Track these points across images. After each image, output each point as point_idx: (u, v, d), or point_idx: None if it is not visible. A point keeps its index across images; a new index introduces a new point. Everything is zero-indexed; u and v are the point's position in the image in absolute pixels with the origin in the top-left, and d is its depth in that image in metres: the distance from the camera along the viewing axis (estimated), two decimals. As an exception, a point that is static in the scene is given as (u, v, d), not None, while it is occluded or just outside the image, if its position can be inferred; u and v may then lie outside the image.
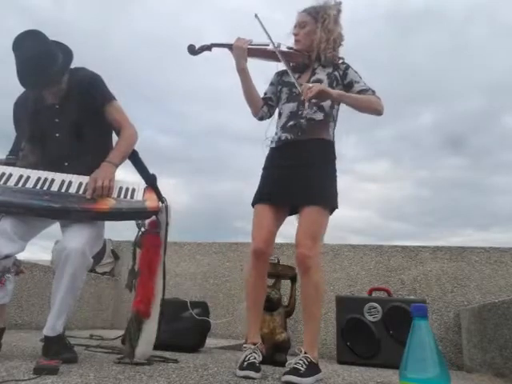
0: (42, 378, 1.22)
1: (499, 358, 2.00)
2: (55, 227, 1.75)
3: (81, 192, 1.63)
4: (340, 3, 1.87)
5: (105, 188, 1.60)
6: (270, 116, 1.90)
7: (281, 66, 1.89)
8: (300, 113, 1.75)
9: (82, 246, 1.55)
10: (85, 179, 1.66)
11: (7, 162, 1.71)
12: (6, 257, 1.54)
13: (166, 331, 2.50)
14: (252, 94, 1.86)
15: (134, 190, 1.71)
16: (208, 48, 1.88)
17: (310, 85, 1.64)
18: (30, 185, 1.61)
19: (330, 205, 1.69)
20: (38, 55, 1.60)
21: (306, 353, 1.58)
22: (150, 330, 1.67)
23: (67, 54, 1.70)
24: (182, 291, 3.50)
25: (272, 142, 1.82)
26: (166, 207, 1.70)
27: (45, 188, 1.61)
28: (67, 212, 1.57)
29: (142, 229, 1.69)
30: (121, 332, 2.27)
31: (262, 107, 1.88)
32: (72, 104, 1.74)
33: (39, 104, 1.76)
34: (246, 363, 1.54)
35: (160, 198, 1.71)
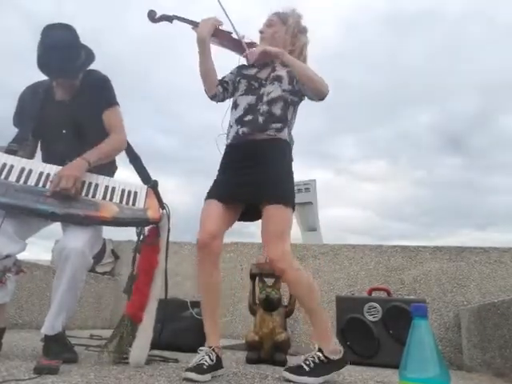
0: (43, 378, 1.22)
1: (499, 357, 2.00)
2: (54, 226, 1.75)
3: (83, 193, 1.63)
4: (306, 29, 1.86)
5: (67, 190, 1.56)
6: (223, 100, 1.84)
7: (242, 61, 1.86)
8: (258, 108, 1.69)
9: (81, 246, 1.55)
10: (87, 177, 1.67)
11: (9, 150, 1.68)
12: (7, 256, 1.54)
13: (166, 331, 2.52)
14: (209, 69, 1.79)
15: (135, 194, 1.71)
16: (169, 18, 1.80)
17: (253, 49, 1.68)
18: (31, 182, 1.59)
19: (292, 202, 1.63)
20: (68, 45, 1.69)
21: (319, 350, 1.54)
22: (144, 336, 1.66)
23: (90, 54, 1.78)
24: (182, 291, 3.49)
25: (228, 136, 1.75)
26: (168, 214, 1.72)
27: (47, 186, 1.59)
28: (71, 218, 1.58)
29: (142, 236, 1.71)
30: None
31: (217, 86, 1.81)
32: (82, 103, 1.77)
33: (49, 98, 1.78)
34: (192, 365, 1.45)
35: (161, 204, 1.72)
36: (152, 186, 1.76)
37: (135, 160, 1.85)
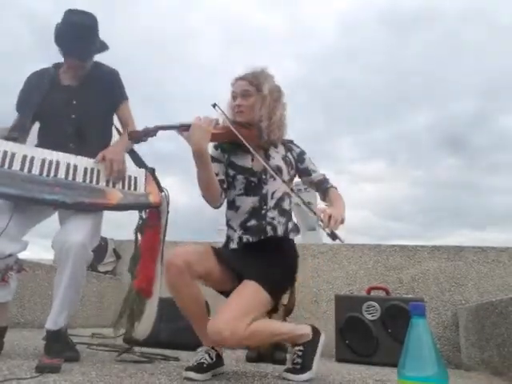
0: (44, 377, 1.23)
1: (497, 356, 2.02)
2: (54, 224, 1.76)
3: (87, 180, 1.65)
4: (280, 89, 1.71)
5: (120, 172, 1.69)
6: (224, 200, 1.65)
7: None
8: (263, 213, 1.58)
9: (82, 240, 1.56)
10: (89, 163, 1.69)
11: (8, 137, 1.67)
12: (9, 256, 1.56)
13: (166, 329, 2.53)
14: (212, 182, 1.53)
15: (135, 179, 1.75)
16: (152, 132, 1.53)
17: (328, 211, 1.40)
18: (35, 170, 1.59)
19: (275, 294, 1.52)
20: (90, 27, 1.73)
21: (294, 345, 1.59)
22: (151, 310, 1.72)
23: (104, 43, 1.82)
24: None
25: (230, 240, 1.62)
26: (167, 197, 1.76)
27: (51, 174, 1.60)
28: (79, 206, 1.59)
29: (142, 219, 1.75)
30: (122, 330, 2.28)
31: (221, 194, 1.60)
32: (91, 91, 1.79)
33: (55, 84, 1.79)
34: (192, 364, 1.45)
35: (160, 188, 1.77)
36: (150, 170, 1.81)
37: (131, 151, 1.88)
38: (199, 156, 1.45)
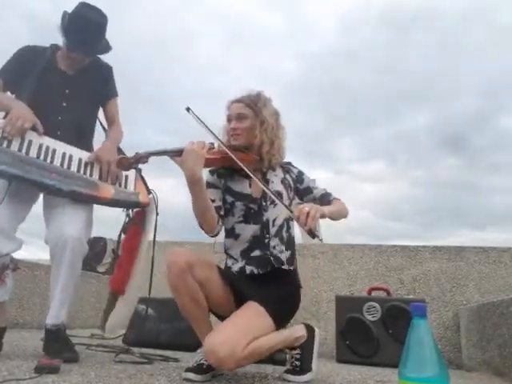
0: (43, 377, 1.23)
1: (498, 357, 2.01)
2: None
3: (81, 171, 1.65)
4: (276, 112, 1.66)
5: (118, 173, 1.70)
6: (222, 228, 1.58)
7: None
8: (266, 242, 1.53)
9: (78, 233, 1.56)
10: (83, 155, 1.69)
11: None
12: (6, 255, 1.56)
13: (166, 330, 2.53)
14: (208, 211, 1.46)
15: (126, 177, 1.77)
16: (144, 159, 1.49)
17: (306, 208, 1.36)
18: (33, 153, 1.57)
19: (275, 314, 1.46)
20: (101, 26, 1.72)
21: (291, 349, 1.58)
22: (121, 306, 1.79)
23: (108, 44, 1.82)
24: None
25: (231, 268, 1.57)
26: (155, 199, 1.79)
27: (48, 160, 1.59)
28: (74, 195, 1.58)
29: (129, 218, 1.81)
30: (122, 331, 2.28)
31: (218, 221, 1.53)
32: (85, 81, 1.79)
33: (51, 66, 1.76)
34: (192, 365, 1.45)
35: (148, 189, 1.80)
36: (137, 171, 1.83)
37: (119, 151, 1.88)
38: (193, 182, 1.38)
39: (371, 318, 2.57)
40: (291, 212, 1.43)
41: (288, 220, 1.61)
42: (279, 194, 1.56)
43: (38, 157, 1.57)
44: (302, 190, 1.68)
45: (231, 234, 1.58)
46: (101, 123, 1.91)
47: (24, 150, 1.55)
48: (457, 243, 3.23)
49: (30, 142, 1.58)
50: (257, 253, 1.53)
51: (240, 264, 1.54)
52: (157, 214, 1.75)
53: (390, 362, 2.29)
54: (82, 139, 1.76)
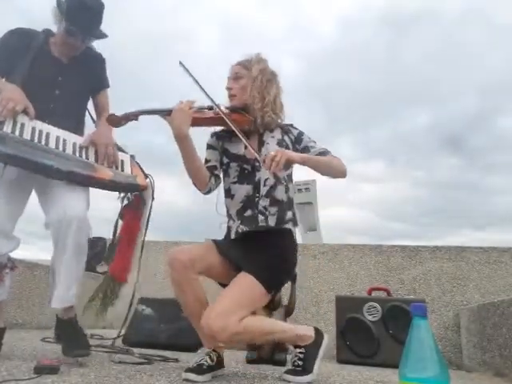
0: (43, 378, 1.23)
1: (498, 357, 2.01)
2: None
3: (77, 154, 1.62)
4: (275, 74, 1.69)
5: (115, 156, 1.68)
6: (217, 187, 1.64)
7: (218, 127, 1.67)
8: (257, 200, 1.56)
9: (82, 212, 1.53)
10: (77, 139, 1.67)
11: None
12: (4, 254, 1.56)
13: (166, 331, 2.53)
14: (197, 167, 1.54)
15: (123, 162, 1.75)
16: (133, 116, 1.53)
17: (272, 153, 1.40)
18: (27, 136, 1.51)
19: (268, 282, 1.48)
20: (99, 12, 1.69)
21: (295, 347, 1.57)
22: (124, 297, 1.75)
23: (103, 32, 1.78)
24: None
25: (230, 230, 1.61)
26: (151, 183, 1.77)
27: (42, 142, 1.54)
28: (72, 176, 1.55)
29: (129, 199, 1.77)
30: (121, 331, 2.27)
31: (210, 179, 1.59)
32: (78, 70, 1.76)
33: (46, 52, 1.73)
34: (192, 366, 1.45)
35: (144, 173, 1.78)
36: (132, 157, 1.82)
37: None
38: (180, 140, 1.45)
39: (371, 318, 2.56)
40: (259, 156, 1.47)
41: (284, 180, 1.61)
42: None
43: (32, 140, 1.52)
44: (299, 150, 1.65)
45: (228, 194, 1.63)
46: (90, 114, 1.88)
47: (17, 133, 1.49)
48: (457, 243, 3.23)
49: (22, 125, 1.53)
50: (248, 212, 1.57)
51: (237, 223, 1.58)
52: (153, 198, 1.74)
53: (390, 362, 2.29)
54: (73, 129, 1.71)
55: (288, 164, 1.46)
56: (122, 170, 1.72)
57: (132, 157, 1.83)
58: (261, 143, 1.61)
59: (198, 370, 1.43)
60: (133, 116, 1.53)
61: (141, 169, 1.80)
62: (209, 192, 1.62)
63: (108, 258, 1.78)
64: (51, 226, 1.53)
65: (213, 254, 1.54)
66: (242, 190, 1.59)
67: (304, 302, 3.21)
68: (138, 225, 1.75)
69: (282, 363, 2.03)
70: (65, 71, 1.74)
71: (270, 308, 2.20)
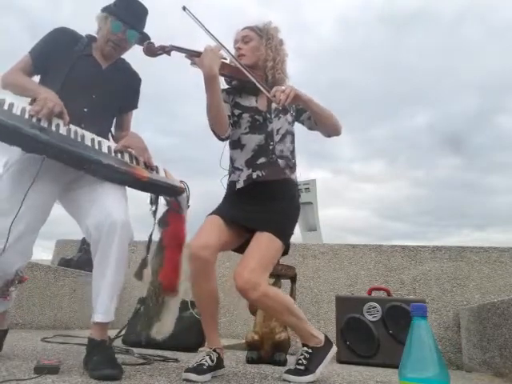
0: (43, 378, 1.23)
1: (498, 357, 2.01)
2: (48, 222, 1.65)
3: (113, 155, 1.54)
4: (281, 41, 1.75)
5: (151, 160, 1.63)
6: (230, 136, 1.66)
7: (226, 83, 1.70)
8: (271, 148, 1.62)
9: (125, 216, 1.45)
10: (111, 143, 1.60)
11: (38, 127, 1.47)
12: (15, 272, 1.48)
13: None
14: (222, 109, 1.56)
15: (156, 167, 1.67)
16: (168, 50, 1.57)
17: (283, 87, 1.49)
18: (63, 132, 1.43)
19: (287, 243, 1.59)
20: (145, 9, 1.70)
21: (304, 345, 1.59)
22: (172, 308, 1.67)
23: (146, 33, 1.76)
24: (182, 291, 3.49)
25: (238, 181, 1.62)
26: (187, 187, 1.72)
27: (79, 140, 1.46)
28: (112, 170, 1.48)
29: (169, 203, 1.72)
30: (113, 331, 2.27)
31: (229, 125, 1.61)
32: (117, 79, 1.72)
33: (88, 54, 1.68)
34: (192, 366, 1.45)
35: (179, 180, 1.72)
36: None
37: None
38: (211, 79, 1.47)
39: (371, 319, 2.56)
40: (268, 92, 1.52)
41: (292, 133, 1.70)
42: (282, 109, 1.65)
43: (68, 135, 1.44)
44: (300, 109, 1.72)
45: (237, 145, 1.66)
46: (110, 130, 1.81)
47: (53, 128, 1.41)
48: (458, 243, 3.23)
49: (58, 125, 1.44)
50: (262, 160, 1.61)
51: (246, 172, 1.61)
52: (188, 206, 1.69)
53: (390, 362, 2.29)
54: (102, 136, 1.63)
55: (295, 100, 1.52)
56: (157, 173, 1.65)
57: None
58: (269, 100, 1.64)
59: (198, 370, 1.43)
60: (167, 49, 1.57)
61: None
62: (227, 138, 1.64)
63: (138, 274, 1.68)
64: (93, 229, 1.43)
65: (223, 230, 1.56)
66: (254, 140, 1.63)
67: (304, 302, 3.21)
68: (184, 229, 1.68)
69: (282, 363, 2.03)
70: (104, 77, 1.69)
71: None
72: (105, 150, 1.53)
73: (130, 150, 1.60)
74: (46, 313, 3.08)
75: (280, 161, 1.62)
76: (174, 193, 1.67)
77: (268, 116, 1.66)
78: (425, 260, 3.18)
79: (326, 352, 1.58)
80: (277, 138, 1.64)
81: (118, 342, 2.16)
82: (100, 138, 1.56)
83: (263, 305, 1.53)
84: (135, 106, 1.85)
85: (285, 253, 1.65)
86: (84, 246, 3.75)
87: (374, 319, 2.56)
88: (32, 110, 1.38)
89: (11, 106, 1.36)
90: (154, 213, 1.66)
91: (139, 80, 1.84)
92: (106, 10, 1.67)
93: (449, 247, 3.20)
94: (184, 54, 1.56)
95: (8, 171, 1.50)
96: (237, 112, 1.67)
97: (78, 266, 3.54)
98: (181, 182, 1.72)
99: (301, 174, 1.78)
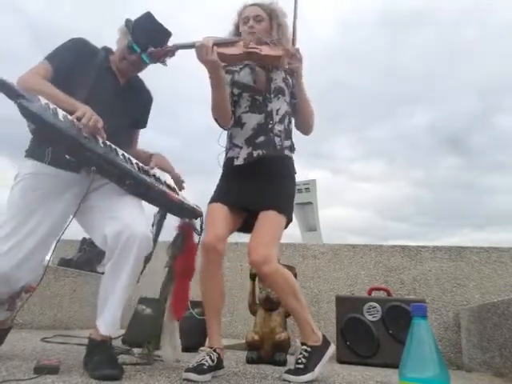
0: (43, 378, 1.23)
1: (498, 357, 2.01)
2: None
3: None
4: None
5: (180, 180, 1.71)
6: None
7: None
8: (270, 127, 1.64)
9: (146, 229, 1.46)
10: (138, 160, 1.59)
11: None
12: (22, 287, 1.49)
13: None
14: (225, 101, 1.61)
15: (175, 189, 1.69)
16: (172, 52, 1.59)
17: (294, 51, 1.62)
18: (100, 144, 1.42)
19: (290, 217, 1.65)
20: (165, 37, 1.67)
21: (303, 343, 1.59)
22: (170, 330, 1.71)
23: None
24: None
25: (238, 157, 1.64)
26: (202, 215, 1.72)
27: (121, 156, 1.47)
28: (151, 190, 1.49)
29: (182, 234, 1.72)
30: (121, 331, 2.28)
31: (231, 117, 1.66)
32: (132, 95, 1.72)
33: (107, 68, 1.66)
34: (192, 366, 1.45)
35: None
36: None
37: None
38: (215, 71, 1.52)
39: (371, 319, 2.56)
40: (279, 57, 1.61)
41: (290, 114, 1.73)
42: (281, 90, 1.69)
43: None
44: (293, 91, 1.76)
45: (238, 123, 1.68)
46: None
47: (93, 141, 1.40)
48: (458, 243, 3.23)
49: (97, 140, 1.43)
50: (261, 138, 1.63)
51: (246, 150, 1.63)
52: (201, 231, 1.69)
53: (390, 362, 2.29)
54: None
55: (297, 71, 1.64)
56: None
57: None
58: (269, 78, 1.69)
59: (198, 369, 1.43)
60: (171, 51, 1.59)
61: None
62: (229, 128, 1.70)
63: (164, 295, 1.75)
64: (112, 239, 1.41)
65: (228, 218, 1.61)
66: (254, 119, 1.65)
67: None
68: (195, 260, 1.69)
69: (282, 363, 2.03)
70: (122, 93, 1.68)
71: (270, 308, 2.21)
72: (134, 167, 1.50)
73: (159, 167, 1.65)
74: (45, 313, 3.08)
75: (278, 139, 1.65)
76: (193, 215, 1.71)
77: (267, 96, 1.68)
78: (425, 260, 3.18)
79: (324, 350, 1.58)
80: (276, 118, 1.66)
81: (118, 342, 2.16)
82: (128, 155, 1.54)
83: (273, 280, 1.58)
84: (144, 125, 1.84)
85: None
86: (84, 246, 3.75)
87: (374, 319, 2.56)
88: (80, 123, 1.35)
89: (55, 111, 1.32)
90: (156, 235, 1.71)
91: (151, 99, 1.83)
92: (128, 24, 1.65)
93: (449, 247, 3.20)
94: (189, 50, 1.56)
95: (18, 184, 1.48)
96: (236, 91, 1.69)
97: (78, 266, 3.54)
98: (196, 206, 1.73)
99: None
